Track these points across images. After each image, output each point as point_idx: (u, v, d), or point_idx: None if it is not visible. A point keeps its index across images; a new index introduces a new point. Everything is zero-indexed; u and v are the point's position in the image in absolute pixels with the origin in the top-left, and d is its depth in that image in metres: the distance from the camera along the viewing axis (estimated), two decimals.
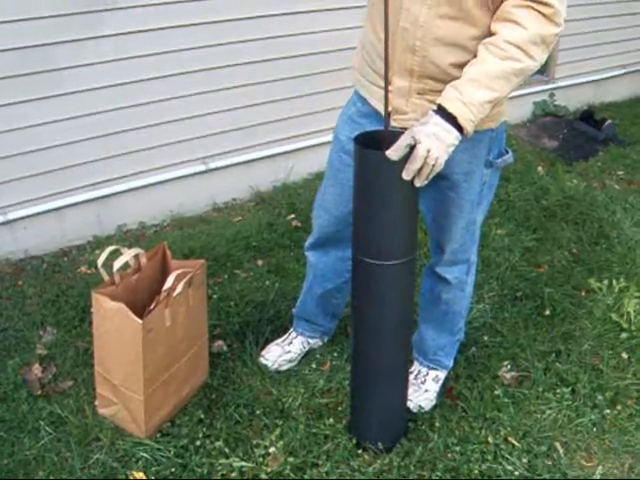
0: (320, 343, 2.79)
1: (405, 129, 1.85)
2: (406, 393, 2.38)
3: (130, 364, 2.22)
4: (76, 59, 3.20)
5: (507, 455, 2.33)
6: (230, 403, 2.49)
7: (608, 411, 2.55)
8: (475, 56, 1.83)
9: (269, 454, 2.28)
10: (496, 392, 2.59)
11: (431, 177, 1.82)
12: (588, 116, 5.43)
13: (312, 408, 2.49)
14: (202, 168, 3.84)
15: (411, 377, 2.55)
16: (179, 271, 2.27)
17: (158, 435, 2.34)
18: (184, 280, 2.29)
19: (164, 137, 3.63)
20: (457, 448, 2.33)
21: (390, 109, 1.97)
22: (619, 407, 2.57)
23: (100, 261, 2.27)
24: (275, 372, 2.65)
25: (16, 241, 3.35)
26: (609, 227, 3.82)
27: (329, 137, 2.44)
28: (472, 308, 2.95)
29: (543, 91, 5.53)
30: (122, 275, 2.31)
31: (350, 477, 2.23)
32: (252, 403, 2.50)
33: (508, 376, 2.70)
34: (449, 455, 2.32)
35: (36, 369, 2.62)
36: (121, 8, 3.22)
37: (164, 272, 2.41)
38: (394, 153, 1.79)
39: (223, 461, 2.25)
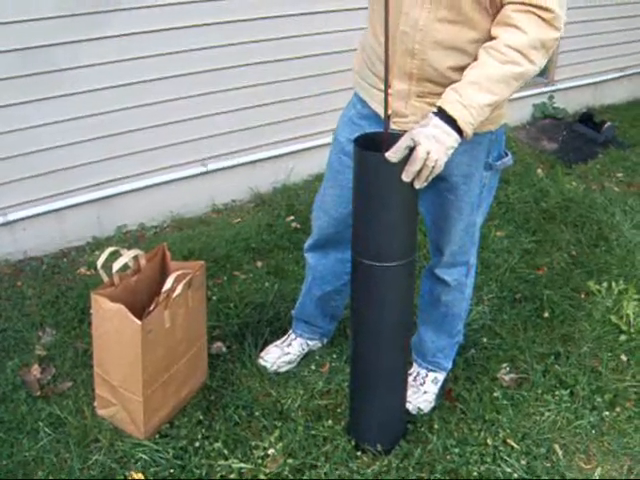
0: (319, 345, 2.79)
1: (405, 132, 1.85)
2: (405, 395, 2.38)
3: (129, 365, 2.22)
4: (77, 60, 3.20)
5: (506, 457, 2.33)
6: (229, 404, 2.49)
7: (607, 413, 2.55)
8: (475, 59, 1.84)
9: (268, 455, 2.28)
10: (495, 394, 2.59)
11: (430, 179, 1.82)
12: (587, 118, 5.43)
13: (311, 410, 2.49)
14: (202, 169, 3.84)
15: (410, 379, 2.55)
16: (178, 272, 2.27)
17: (157, 436, 2.34)
18: (183, 281, 2.29)
19: (164, 138, 3.63)
20: (456, 450, 2.34)
21: (390, 112, 1.97)
22: (618, 409, 2.58)
23: (99, 262, 2.27)
24: (274, 374, 2.65)
25: (15, 242, 3.35)
26: (608, 229, 3.82)
27: (329, 139, 2.44)
28: (471, 310, 2.95)
29: (542, 93, 5.54)
30: (121, 276, 2.31)
31: (349, 479, 2.23)
32: (251, 404, 2.50)
33: (507, 378, 2.70)
34: (448, 457, 2.32)
35: (35, 370, 2.62)
36: (124, 9, 3.23)
37: (163, 273, 2.42)
38: (394, 155, 1.79)
39: (222, 462, 2.25)
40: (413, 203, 1.95)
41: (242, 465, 2.24)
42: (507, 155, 2.22)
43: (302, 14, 3.80)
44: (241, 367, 2.67)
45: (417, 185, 1.83)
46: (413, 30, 1.90)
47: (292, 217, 3.80)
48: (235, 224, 3.79)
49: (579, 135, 5.32)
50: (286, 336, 2.77)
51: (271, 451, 2.28)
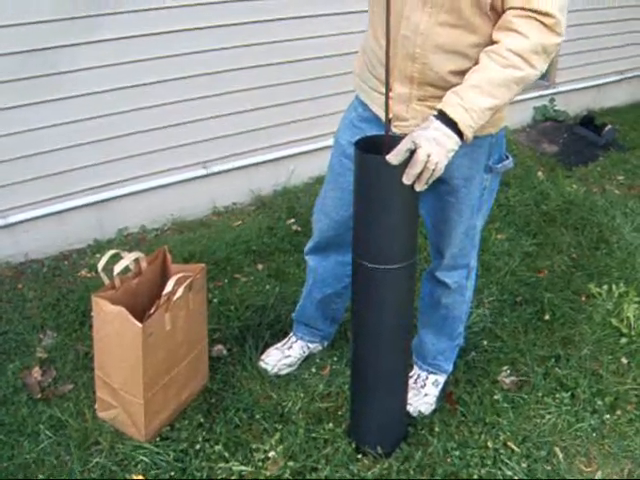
0: (320, 347, 2.79)
1: (406, 135, 1.85)
2: (406, 397, 2.38)
3: (130, 368, 2.22)
4: (76, 63, 3.20)
5: (506, 460, 2.33)
6: (230, 407, 2.49)
7: (608, 416, 2.55)
8: (475, 63, 1.84)
9: (269, 458, 2.28)
10: (495, 397, 2.59)
11: (431, 182, 1.83)
12: (588, 121, 5.43)
13: (312, 412, 2.49)
14: (203, 172, 3.84)
15: (411, 381, 2.55)
16: (179, 275, 2.28)
17: (158, 439, 2.34)
18: (184, 284, 2.29)
19: (165, 141, 3.64)
20: (456, 453, 2.34)
21: (391, 115, 1.97)
22: (619, 412, 2.57)
23: (100, 265, 2.27)
24: (275, 376, 2.65)
25: (16, 244, 3.36)
26: (609, 232, 3.82)
27: (330, 141, 2.44)
28: (472, 313, 2.95)
29: (543, 96, 5.54)
30: (122, 279, 2.31)
31: None
32: (252, 407, 2.50)
33: (507, 381, 2.70)
34: (448, 460, 2.32)
35: (36, 372, 2.62)
36: (122, 12, 3.23)
37: (164, 276, 2.42)
38: (394, 157, 1.79)
39: (223, 465, 2.25)
40: (414, 206, 1.95)
41: (243, 468, 2.24)
42: (508, 158, 2.22)
43: (302, 17, 3.80)
44: (242, 370, 2.67)
45: (418, 188, 1.83)
46: (414, 34, 1.90)
47: (293, 220, 3.80)
48: (236, 227, 3.79)
49: (580, 138, 5.32)
50: (287, 339, 2.77)
51: (272, 454, 2.28)
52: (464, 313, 2.56)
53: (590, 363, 2.81)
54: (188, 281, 2.31)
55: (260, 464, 2.25)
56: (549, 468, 2.34)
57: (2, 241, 3.31)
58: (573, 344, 2.92)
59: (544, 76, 5.42)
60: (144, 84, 3.43)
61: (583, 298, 3.24)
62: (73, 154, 3.35)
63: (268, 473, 2.22)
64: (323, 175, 2.42)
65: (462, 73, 1.86)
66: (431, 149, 1.77)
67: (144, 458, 2.26)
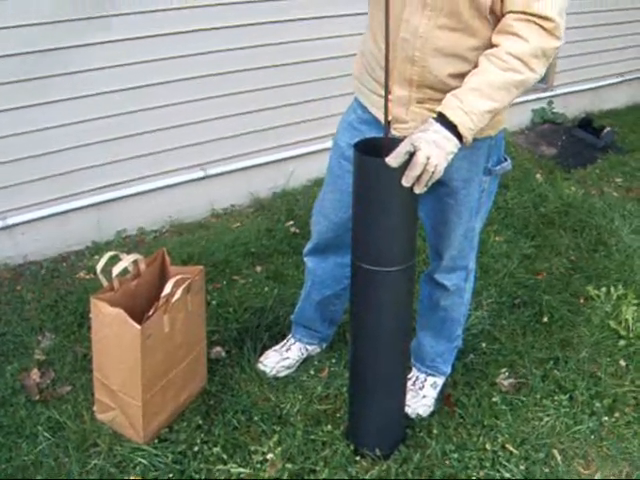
0: (318, 349, 2.79)
1: (405, 137, 1.85)
2: (404, 399, 2.38)
3: (128, 370, 2.22)
4: (84, 64, 3.20)
5: (505, 462, 2.33)
6: (228, 409, 2.49)
7: (606, 418, 2.55)
8: (475, 67, 1.85)
9: (267, 460, 2.27)
10: (494, 399, 2.59)
11: (430, 184, 1.83)
12: (587, 123, 5.44)
13: (310, 414, 2.49)
14: (201, 174, 3.84)
15: (409, 383, 2.55)
16: (178, 277, 2.28)
17: (156, 441, 2.34)
18: (183, 286, 2.29)
19: (164, 143, 3.63)
20: (455, 455, 2.34)
21: (390, 118, 1.98)
22: (617, 414, 2.58)
23: (99, 267, 2.27)
24: (273, 378, 2.65)
25: (15, 246, 3.35)
26: (607, 234, 3.83)
27: (328, 143, 2.44)
28: (470, 315, 2.95)
29: (542, 98, 5.54)
30: (121, 281, 2.31)
31: None
32: (250, 409, 2.50)
33: (506, 383, 2.71)
34: (447, 462, 2.33)
35: (34, 374, 2.62)
36: (129, 13, 3.23)
37: (163, 278, 2.42)
38: (394, 160, 1.80)
39: (221, 467, 2.25)
40: (413, 208, 1.95)
41: (241, 470, 2.24)
42: (506, 160, 2.22)
43: (302, 19, 3.81)
44: (240, 372, 2.67)
45: (417, 190, 1.83)
46: (413, 37, 1.91)
47: (291, 222, 3.80)
48: (234, 229, 3.79)
49: (578, 140, 5.33)
50: (285, 341, 2.77)
51: (270, 456, 2.28)
52: (462, 315, 2.56)
53: (588, 365, 2.81)
54: (187, 283, 2.31)
55: (258, 466, 2.25)
56: (547, 470, 2.34)
57: (1, 242, 3.31)
58: (571, 346, 2.92)
59: (543, 79, 5.38)
60: (147, 85, 3.43)
61: (581, 300, 3.24)
62: (72, 156, 3.35)
63: (266, 475, 2.22)
64: (322, 177, 2.42)
65: (461, 76, 1.87)
66: (431, 152, 1.77)
67: (142, 460, 2.26)
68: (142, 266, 2.39)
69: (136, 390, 2.24)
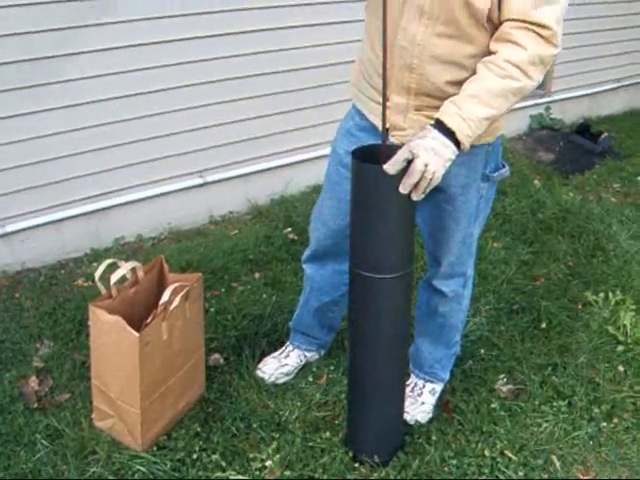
0: (317, 356, 2.79)
1: (403, 144, 1.85)
2: (403, 406, 2.38)
3: (127, 377, 2.22)
4: (79, 72, 3.21)
5: (504, 468, 2.33)
6: (227, 416, 2.49)
7: (604, 424, 2.55)
8: (472, 74, 1.85)
9: (265, 467, 2.27)
10: (492, 405, 2.59)
11: (428, 191, 1.83)
12: (584, 129, 5.45)
13: (309, 421, 2.49)
14: (199, 181, 3.84)
15: (407, 390, 2.54)
16: (176, 284, 2.28)
17: (154, 448, 2.34)
18: (181, 293, 2.29)
19: (162, 150, 3.64)
20: (454, 461, 2.33)
21: (388, 125, 1.98)
22: (615, 420, 2.58)
23: (97, 274, 2.27)
24: (272, 385, 2.65)
25: (13, 253, 3.35)
26: (605, 240, 3.83)
27: (327, 150, 2.45)
28: (468, 321, 2.95)
29: (539, 104, 5.56)
30: (119, 288, 2.31)
31: None
32: (249, 416, 2.50)
33: (504, 389, 2.71)
34: (446, 469, 2.32)
35: (33, 382, 2.61)
36: (125, 21, 3.24)
37: (161, 285, 2.42)
38: (391, 167, 1.80)
39: (220, 474, 2.24)
40: (411, 215, 1.95)
41: (240, 477, 2.23)
42: (504, 166, 2.23)
43: (301, 26, 3.82)
44: (239, 379, 2.67)
45: (415, 197, 1.83)
46: (411, 45, 1.91)
47: (290, 229, 3.81)
48: (233, 236, 3.79)
49: (576, 146, 5.34)
50: (283, 347, 2.77)
51: (269, 463, 2.28)
52: (461, 322, 2.56)
53: (587, 371, 2.81)
54: (185, 290, 2.31)
55: (257, 473, 2.25)
56: (546, 476, 2.34)
57: None
58: (570, 352, 2.92)
59: (540, 85, 5.39)
60: (144, 93, 3.44)
61: (580, 306, 3.24)
62: (70, 163, 3.35)
63: None
64: (320, 184, 2.42)
65: (459, 83, 1.87)
66: (429, 158, 1.77)
67: (141, 467, 2.25)
68: (140, 273, 2.39)
69: (134, 397, 2.24)
